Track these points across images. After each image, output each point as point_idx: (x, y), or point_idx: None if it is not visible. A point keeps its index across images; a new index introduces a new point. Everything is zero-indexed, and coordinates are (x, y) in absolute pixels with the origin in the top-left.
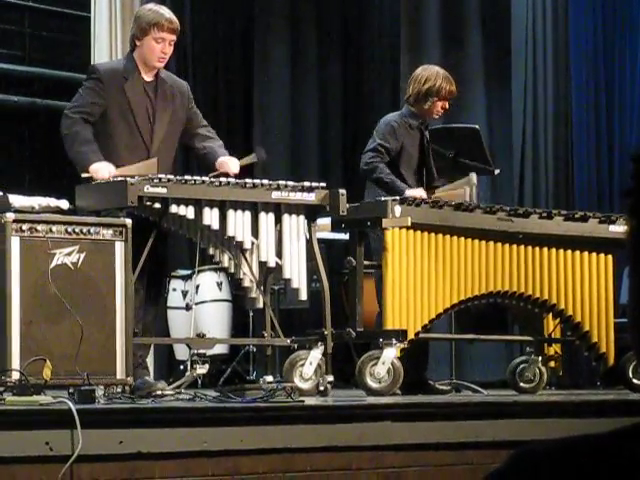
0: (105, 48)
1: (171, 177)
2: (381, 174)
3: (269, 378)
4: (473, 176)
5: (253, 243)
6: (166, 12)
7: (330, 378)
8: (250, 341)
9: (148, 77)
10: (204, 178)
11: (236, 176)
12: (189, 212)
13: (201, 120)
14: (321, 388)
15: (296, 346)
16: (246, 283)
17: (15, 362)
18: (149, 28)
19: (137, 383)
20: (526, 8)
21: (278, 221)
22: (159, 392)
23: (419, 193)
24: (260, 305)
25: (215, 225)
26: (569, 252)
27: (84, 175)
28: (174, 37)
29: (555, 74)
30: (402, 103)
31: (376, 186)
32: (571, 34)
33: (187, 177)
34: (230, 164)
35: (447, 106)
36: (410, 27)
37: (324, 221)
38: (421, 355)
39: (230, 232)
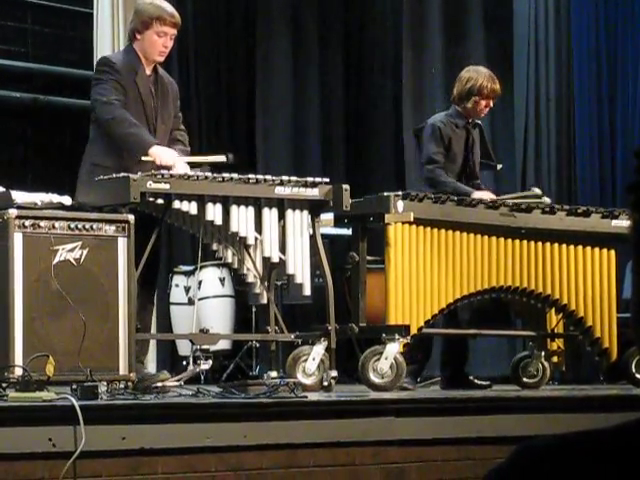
0: (107, 45)
1: (174, 173)
2: (446, 185)
3: (273, 374)
4: (536, 190)
5: (256, 238)
6: (168, 6)
7: (334, 373)
8: (254, 337)
9: (148, 71)
10: (207, 174)
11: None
12: (192, 208)
13: (180, 123)
14: (325, 383)
15: (300, 342)
16: (250, 279)
17: (18, 358)
18: (151, 22)
19: (138, 376)
20: (528, 4)
21: (282, 216)
22: (161, 384)
23: (487, 196)
24: (264, 300)
25: (218, 221)
26: (572, 247)
27: (145, 158)
28: (175, 31)
29: (557, 69)
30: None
31: (439, 189)
32: (573, 29)
33: (190, 173)
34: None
35: (491, 104)
36: (412, 24)
37: (327, 216)
38: (461, 350)
39: (233, 228)
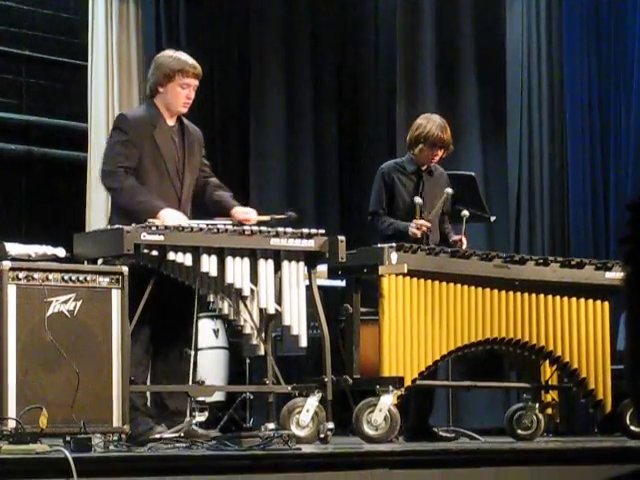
0: (102, 97)
1: (168, 224)
2: (385, 230)
3: (271, 425)
4: (449, 190)
5: (252, 290)
6: (189, 58)
7: (331, 425)
8: (250, 388)
9: (171, 122)
10: (201, 225)
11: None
12: (187, 259)
13: (210, 170)
14: (322, 435)
15: (297, 393)
16: (247, 330)
17: (11, 410)
18: (173, 74)
19: (136, 428)
20: (521, 54)
21: (278, 268)
22: (157, 435)
23: (420, 222)
24: (261, 352)
25: (213, 272)
26: (565, 299)
27: (152, 221)
28: (197, 82)
29: (550, 121)
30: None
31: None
32: (566, 80)
33: (184, 224)
34: (250, 214)
35: (439, 153)
36: (406, 75)
37: (320, 268)
38: (426, 402)
39: (229, 279)
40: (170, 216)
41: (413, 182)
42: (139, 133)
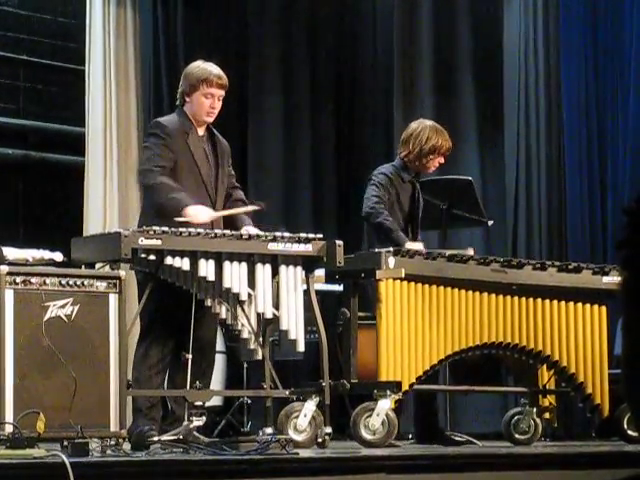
0: (99, 101)
1: (165, 229)
2: (386, 220)
3: (269, 430)
4: (471, 250)
5: (250, 294)
6: (215, 69)
7: (328, 430)
8: (248, 393)
9: (201, 132)
10: (199, 230)
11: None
12: (184, 264)
13: (235, 181)
14: (319, 440)
15: (294, 398)
16: (245, 335)
17: (9, 415)
18: (198, 84)
19: (135, 431)
20: (518, 60)
21: (275, 272)
22: (155, 439)
23: (419, 247)
24: (259, 357)
25: (211, 277)
26: (563, 303)
27: (179, 219)
28: (223, 92)
29: (547, 124)
30: (394, 156)
31: (375, 230)
32: (563, 84)
33: (182, 229)
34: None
35: (443, 161)
36: (403, 84)
37: (318, 272)
38: (430, 405)
39: (226, 284)
40: (196, 212)
41: (409, 191)
42: (174, 138)
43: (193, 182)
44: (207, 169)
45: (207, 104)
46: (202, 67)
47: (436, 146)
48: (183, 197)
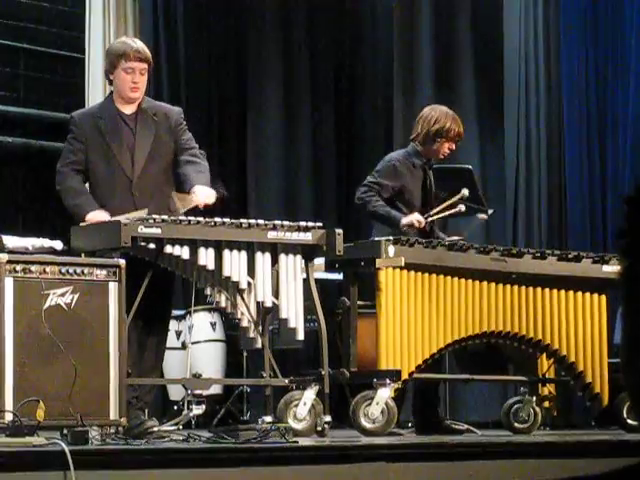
0: (99, 89)
1: (165, 217)
2: (375, 207)
3: (268, 419)
4: (465, 191)
5: (250, 283)
6: (133, 42)
7: (328, 418)
8: (247, 381)
9: (128, 110)
10: (199, 218)
11: (207, 207)
12: (184, 252)
13: (186, 143)
14: (319, 429)
15: (294, 386)
16: (244, 323)
17: (8, 403)
18: (117, 60)
19: (131, 423)
20: (518, 48)
21: (275, 261)
22: (153, 429)
23: (415, 217)
24: (258, 345)
25: (211, 265)
26: (562, 292)
27: (82, 224)
28: (144, 66)
29: (548, 114)
30: (406, 142)
31: (373, 219)
32: (563, 74)
33: (181, 217)
34: (199, 194)
35: (454, 147)
36: (403, 69)
37: (318, 261)
38: (430, 394)
39: (226, 272)
40: (93, 218)
41: (420, 177)
42: (82, 127)
43: (104, 164)
44: (121, 147)
45: (129, 79)
46: (121, 42)
47: (444, 128)
48: (84, 202)
